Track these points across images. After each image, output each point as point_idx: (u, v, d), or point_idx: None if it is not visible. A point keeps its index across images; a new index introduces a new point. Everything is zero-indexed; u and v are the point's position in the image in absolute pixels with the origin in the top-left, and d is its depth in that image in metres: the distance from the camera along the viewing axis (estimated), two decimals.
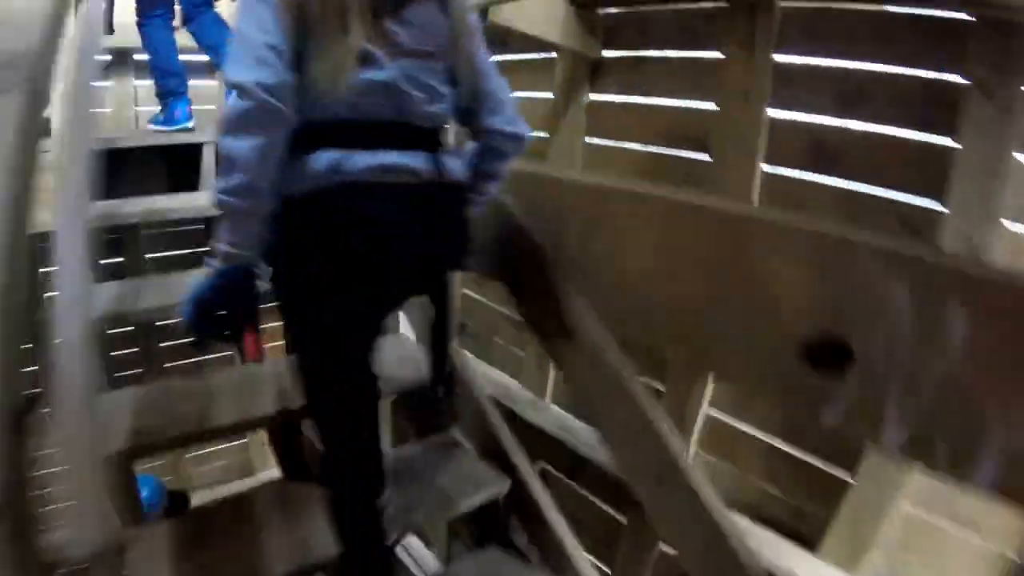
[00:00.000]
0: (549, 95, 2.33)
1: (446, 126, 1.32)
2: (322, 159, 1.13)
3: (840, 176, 1.61)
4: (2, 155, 0.90)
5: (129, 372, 3.18)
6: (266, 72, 1.05)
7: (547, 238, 1.49)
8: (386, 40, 1.14)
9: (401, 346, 2.10)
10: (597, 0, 2.07)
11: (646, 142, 2.04)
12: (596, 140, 2.20)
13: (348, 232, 1.15)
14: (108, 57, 3.14)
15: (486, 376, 2.64)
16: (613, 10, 2.07)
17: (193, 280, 1.16)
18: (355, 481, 1.34)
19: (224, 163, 1.07)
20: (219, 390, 1.77)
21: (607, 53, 2.14)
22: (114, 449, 1.49)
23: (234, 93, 1.06)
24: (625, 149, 2.10)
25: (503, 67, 2.57)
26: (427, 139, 1.23)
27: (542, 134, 2.37)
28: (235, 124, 1.06)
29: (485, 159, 1.37)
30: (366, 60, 1.12)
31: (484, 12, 2.09)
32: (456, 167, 1.28)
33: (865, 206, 1.58)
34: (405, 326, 2.32)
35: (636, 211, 1.33)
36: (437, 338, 1.52)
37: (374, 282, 1.20)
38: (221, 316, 1.15)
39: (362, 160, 1.14)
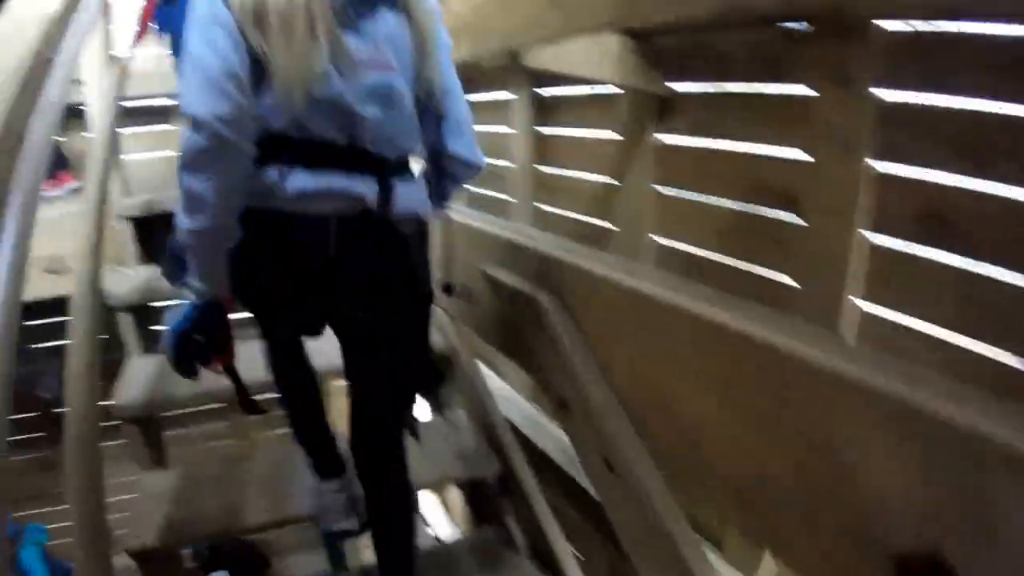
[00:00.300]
0: (613, 135, 2.07)
1: (409, 148, 1.23)
2: (266, 176, 1.10)
3: (966, 254, 1.27)
4: None
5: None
6: (223, 103, 0.99)
7: (590, 350, 1.29)
8: (344, 56, 1.09)
9: (454, 431, 1.98)
10: (656, 28, 1.78)
11: (725, 195, 1.74)
12: (669, 190, 1.93)
13: (305, 249, 1.15)
14: (171, 101, 3.19)
15: (556, 440, 2.43)
16: (675, 38, 1.79)
17: (170, 314, 1.18)
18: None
19: (187, 201, 1.04)
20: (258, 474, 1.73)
21: (677, 87, 1.85)
22: (148, 543, 1.52)
23: (188, 126, 1.02)
24: (702, 203, 1.81)
25: (564, 103, 2.36)
26: (379, 164, 1.17)
27: (612, 181, 2.13)
28: (194, 162, 1.01)
29: (440, 183, 1.32)
30: (322, 77, 1.07)
31: (515, 55, 1.85)
32: (411, 195, 1.22)
33: (1001, 295, 1.24)
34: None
35: (691, 336, 1.10)
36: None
37: (325, 297, 1.21)
38: (200, 344, 1.18)
39: (303, 181, 1.10)
